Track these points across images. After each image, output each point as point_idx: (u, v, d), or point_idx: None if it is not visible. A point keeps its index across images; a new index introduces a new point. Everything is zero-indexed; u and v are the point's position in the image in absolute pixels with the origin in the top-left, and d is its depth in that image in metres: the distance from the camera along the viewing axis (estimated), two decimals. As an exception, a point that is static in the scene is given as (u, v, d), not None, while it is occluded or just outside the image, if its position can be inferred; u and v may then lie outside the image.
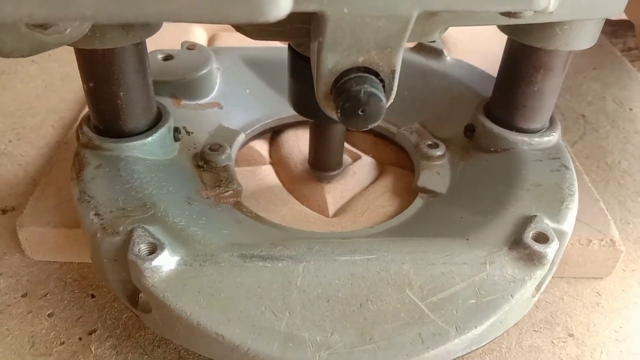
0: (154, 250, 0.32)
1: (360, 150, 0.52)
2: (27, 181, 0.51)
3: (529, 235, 0.34)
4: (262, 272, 0.33)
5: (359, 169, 0.49)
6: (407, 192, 0.46)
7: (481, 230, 0.36)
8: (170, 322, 0.32)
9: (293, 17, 0.27)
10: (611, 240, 0.42)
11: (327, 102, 0.30)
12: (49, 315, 0.39)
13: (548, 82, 0.40)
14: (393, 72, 0.29)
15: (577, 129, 0.60)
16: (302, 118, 0.50)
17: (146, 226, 0.33)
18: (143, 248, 0.32)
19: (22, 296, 0.41)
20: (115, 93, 0.38)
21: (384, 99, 0.28)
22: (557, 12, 0.33)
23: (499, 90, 0.43)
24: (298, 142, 0.51)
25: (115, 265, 0.34)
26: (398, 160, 0.50)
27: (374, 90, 0.28)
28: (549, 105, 0.42)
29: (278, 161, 0.50)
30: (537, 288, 0.37)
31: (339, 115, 0.29)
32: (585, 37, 0.37)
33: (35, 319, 0.39)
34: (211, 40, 0.71)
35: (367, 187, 0.48)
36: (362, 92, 0.28)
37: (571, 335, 0.40)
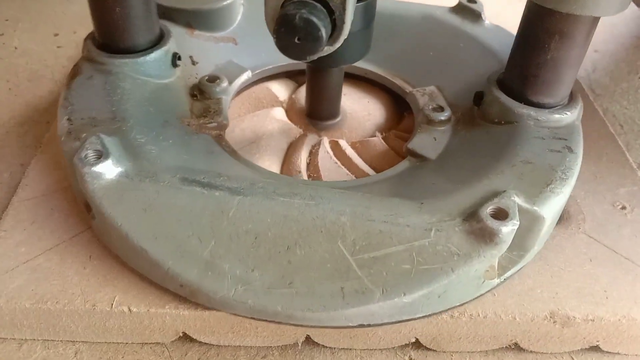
0: (99, 157, 0.33)
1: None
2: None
3: (486, 209, 0.31)
4: (198, 197, 0.32)
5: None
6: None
7: (441, 197, 0.33)
8: (106, 230, 0.33)
9: None
10: None
11: (272, 26, 0.28)
12: None
13: (563, 52, 0.36)
14: (344, 3, 0.27)
15: (641, 145, 0.52)
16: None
17: (103, 136, 0.34)
18: (90, 154, 0.33)
19: None
20: (111, 8, 0.39)
21: (322, 29, 0.26)
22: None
23: (513, 58, 0.39)
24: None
25: (74, 171, 0.35)
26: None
27: (311, 17, 0.26)
28: (565, 79, 0.37)
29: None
30: (500, 273, 0.34)
31: (275, 40, 0.27)
32: (607, 2, 0.32)
33: None
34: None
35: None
36: (297, 16, 0.26)
37: None
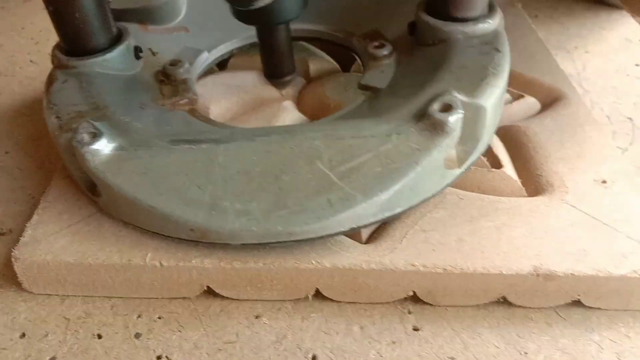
0: (94, 137, 0.37)
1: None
2: (25, 199, 0.47)
3: (433, 107, 0.36)
4: (188, 153, 0.37)
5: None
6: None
7: (394, 109, 0.38)
8: (113, 201, 0.37)
9: None
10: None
11: None
12: (50, 360, 0.36)
13: (475, -34, 0.41)
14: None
15: (626, 134, 0.54)
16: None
17: (92, 121, 0.38)
18: (85, 137, 0.37)
19: (20, 337, 0.37)
20: (71, 14, 0.42)
21: None
22: None
23: (434, -18, 0.45)
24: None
25: (73, 159, 0.39)
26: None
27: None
28: (480, -9, 0.43)
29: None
30: (460, 163, 0.39)
31: None
32: None
33: (35, 366, 0.35)
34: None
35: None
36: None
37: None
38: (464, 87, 0.38)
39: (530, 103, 0.52)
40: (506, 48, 0.43)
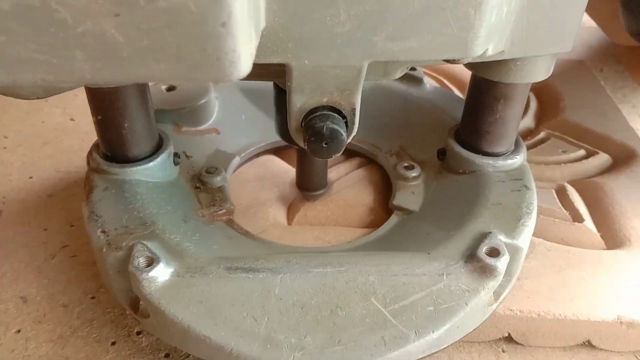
0: (151, 263, 0.37)
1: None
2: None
3: (482, 250, 0.38)
4: (245, 282, 0.37)
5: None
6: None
7: (442, 245, 0.40)
8: (165, 326, 0.37)
9: (268, 65, 0.31)
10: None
11: (298, 134, 0.35)
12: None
13: (509, 111, 0.44)
14: (354, 109, 0.34)
15: None
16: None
17: (145, 242, 0.38)
18: (142, 261, 0.37)
19: (165, 356, 0.41)
20: (120, 124, 0.43)
21: (344, 134, 0.33)
22: (509, 51, 0.37)
23: (466, 118, 0.48)
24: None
25: (119, 277, 0.39)
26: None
27: (335, 126, 0.32)
28: (511, 131, 0.46)
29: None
30: (496, 297, 0.41)
31: (306, 147, 0.33)
32: (540, 71, 0.42)
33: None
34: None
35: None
36: (324, 128, 0.32)
37: None
38: (503, 227, 0.41)
39: (603, 159, 0.59)
40: (533, 184, 0.46)
